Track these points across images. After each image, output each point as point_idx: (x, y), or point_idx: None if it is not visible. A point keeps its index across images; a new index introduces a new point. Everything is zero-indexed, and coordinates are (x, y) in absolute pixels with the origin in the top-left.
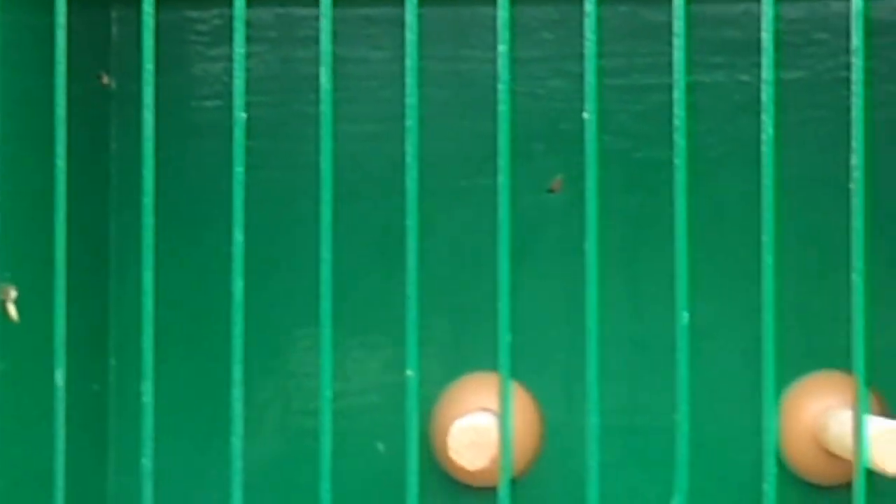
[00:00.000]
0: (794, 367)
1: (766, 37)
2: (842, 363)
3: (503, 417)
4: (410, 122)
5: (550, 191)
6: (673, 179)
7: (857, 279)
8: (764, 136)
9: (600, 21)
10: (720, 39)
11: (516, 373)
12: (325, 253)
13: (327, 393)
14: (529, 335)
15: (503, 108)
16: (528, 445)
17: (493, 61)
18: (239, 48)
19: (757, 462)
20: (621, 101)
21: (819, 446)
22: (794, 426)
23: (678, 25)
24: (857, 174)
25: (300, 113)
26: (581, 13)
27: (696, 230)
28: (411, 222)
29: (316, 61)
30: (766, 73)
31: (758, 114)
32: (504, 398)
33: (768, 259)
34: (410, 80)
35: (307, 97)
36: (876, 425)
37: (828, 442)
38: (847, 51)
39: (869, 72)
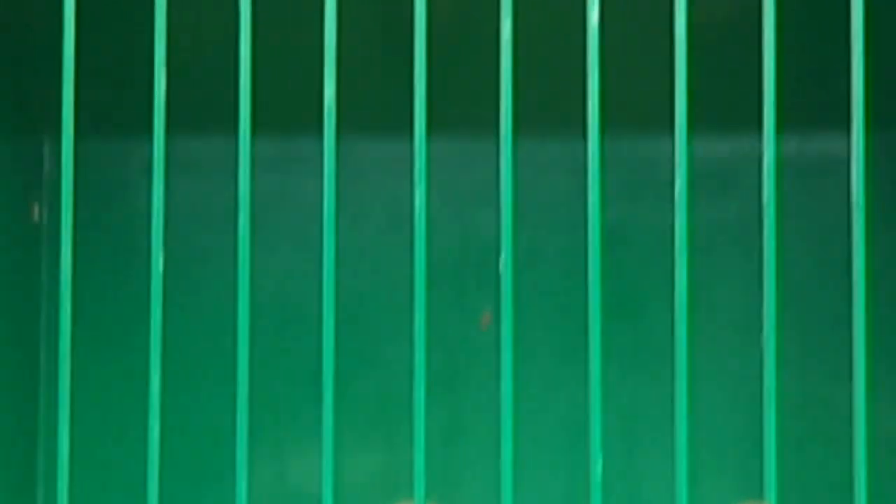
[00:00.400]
0: (724, 496)
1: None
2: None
3: None
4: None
5: (482, 325)
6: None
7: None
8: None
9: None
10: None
11: (446, 499)
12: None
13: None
14: (462, 464)
15: (419, 254)
16: None
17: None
18: (158, 188)
19: None
20: (551, 235)
21: None
22: None
23: (592, 167)
24: (768, 311)
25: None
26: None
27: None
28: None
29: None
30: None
31: (695, 251)
32: None
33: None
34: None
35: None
36: None
37: None
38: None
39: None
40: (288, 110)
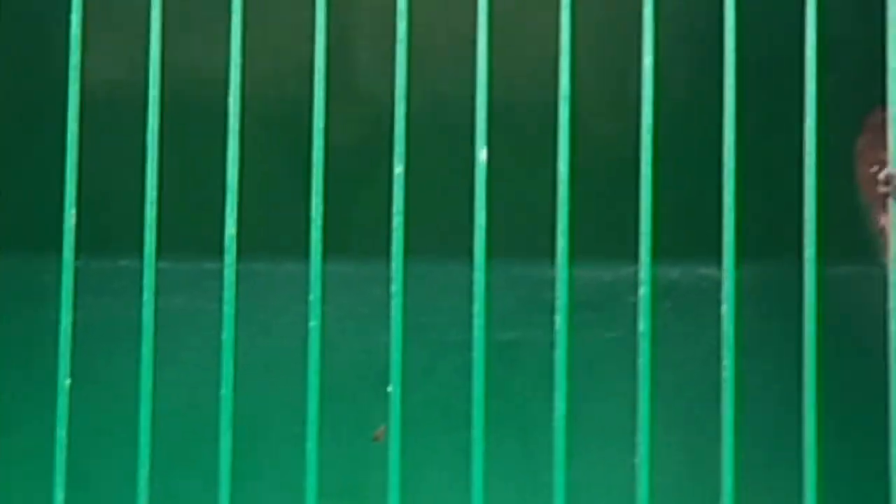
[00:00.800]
0: None
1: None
2: None
3: None
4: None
5: (375, 439)
6: (492, 428)
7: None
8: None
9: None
10: (539, 299)
11: None
12: None
13: None
14: None
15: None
16: None
17: (327, 315)
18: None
19: None
20: (446, 355)
21: None
22: None
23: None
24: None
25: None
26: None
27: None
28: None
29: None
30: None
31: (575, 369)
32: None
33: None
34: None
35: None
36: None
37: None
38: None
39: (677, 334)
40: (192, 234)
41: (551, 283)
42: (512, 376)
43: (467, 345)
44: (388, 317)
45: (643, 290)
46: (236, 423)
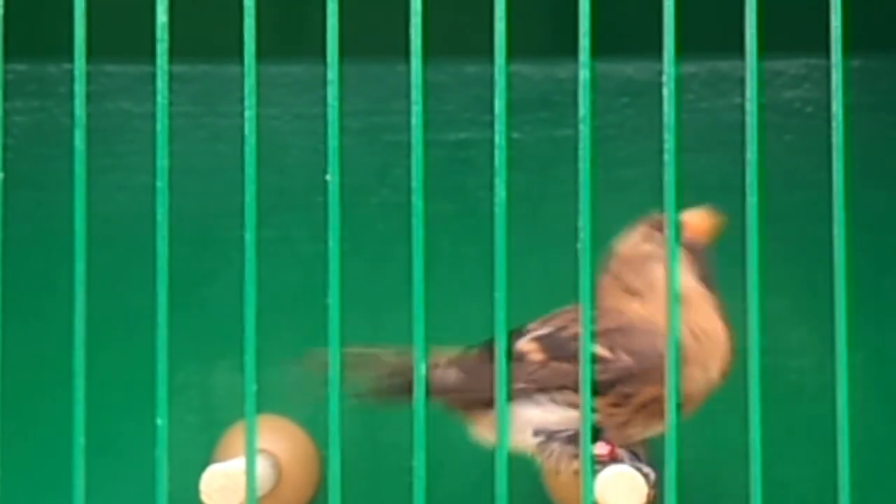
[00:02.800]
0: None
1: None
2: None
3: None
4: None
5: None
6: (452, 229)
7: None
8: (497, 199)
9: (372, 79)
10: (491, 98)
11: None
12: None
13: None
14: None
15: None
16: (300, 485)
17: (277, 118)
18: None
19: None
20: (398, 157)
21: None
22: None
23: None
24: (582, 235)
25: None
26: (359, 70)
27: (464, 278)
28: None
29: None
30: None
31: (530, 170)
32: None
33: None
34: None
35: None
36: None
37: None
38: (611, 109)
39: (633, 130)
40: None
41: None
42: (464, 175)
43: (435, 143)
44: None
45: (582, 76)
46: (178, 227)
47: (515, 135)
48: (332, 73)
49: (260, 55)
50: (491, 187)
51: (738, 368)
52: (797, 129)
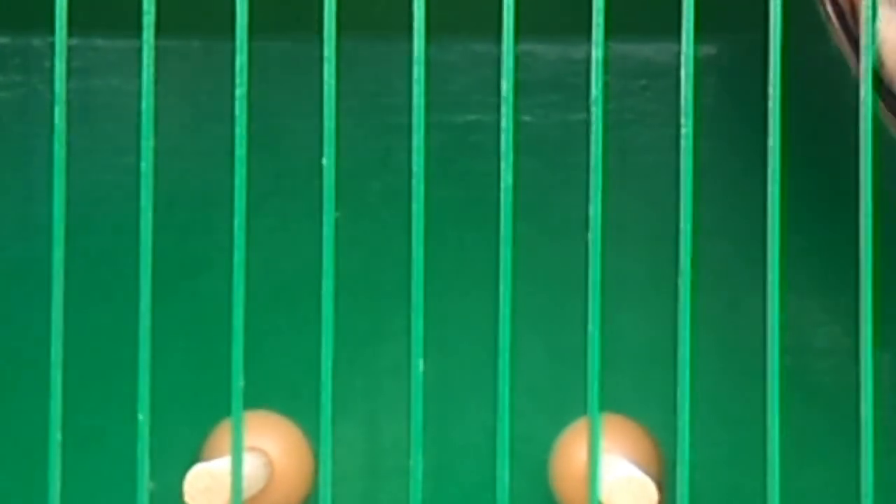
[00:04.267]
0: (568, 409)
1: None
2: (618, 405)
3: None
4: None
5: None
6: (458, 217)
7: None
8: (504, 184)
9: (381, 56)
10: (500, 78)
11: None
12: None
13: None
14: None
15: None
16: (292, 485)
17: (273, 97)
18: None
19: None
20: (401, 139)
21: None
22: (566, 470)
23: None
24: (593, 225)
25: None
26: (361, 48)
27: (469, 269)
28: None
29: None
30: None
31: (540, 154)
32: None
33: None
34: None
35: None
36: (618, 471)
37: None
38: (630, 92)
39: (650, 115)
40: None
41: (515, 62)
42: (473, 159)
43: (428, 129)
44: (344, 98)
45: (595, 55)
46: (167, 212)
47: (526, 118)
48: (329, 50)
49: (253, 30)
50: (499, 173)
51: (757, 369)
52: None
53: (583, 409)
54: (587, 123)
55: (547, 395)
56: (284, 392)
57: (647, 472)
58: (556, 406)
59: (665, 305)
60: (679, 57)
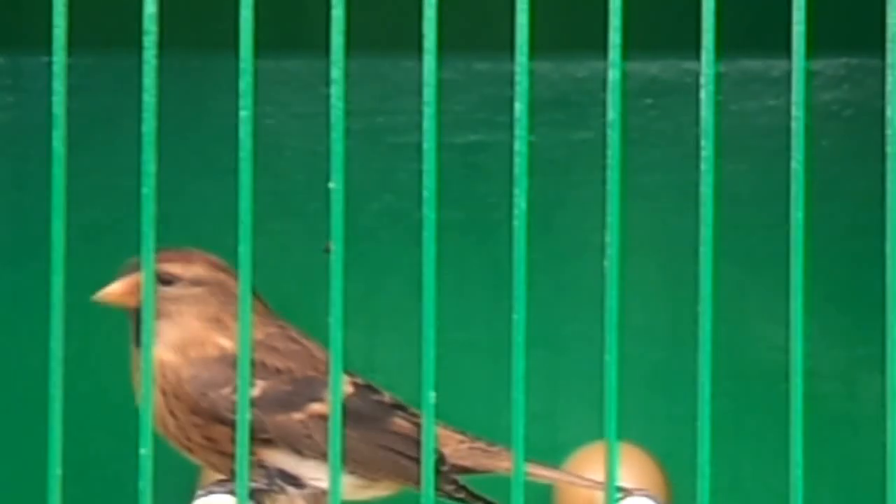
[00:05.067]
0: (574, 435)
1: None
2: (624, 430)
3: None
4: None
5: (325, 250)
6: (460, 239)
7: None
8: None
9: (381, 75)
10: (504, 98)
11: None
12: None
13: None
14: None
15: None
16: None
17: (272, 116)
18: None
19: None
20: (402, 160)
21: None
22: (572, 497)
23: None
24: (610, 249)
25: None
26: (363, 67)
27: (473, 292)
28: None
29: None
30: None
31: (543, 174)
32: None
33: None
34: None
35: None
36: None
37: None
38: (635, 111)
39: (656, 133)
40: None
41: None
42: (475, 181)
43: (441, 146)
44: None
45: (611, 76)
46: (166, 232)
47: (530, 137)
48: (337, 72)
49: (257, 49)
50: (503, 194)
51: (775, 393)
52: (836, 132)
53: (588, 435)
54: (591, 142)
55: (550, 421)
56: None
57: (656, 499)
58: (559, 432)
59: (667, 327)
60: (685, 75)
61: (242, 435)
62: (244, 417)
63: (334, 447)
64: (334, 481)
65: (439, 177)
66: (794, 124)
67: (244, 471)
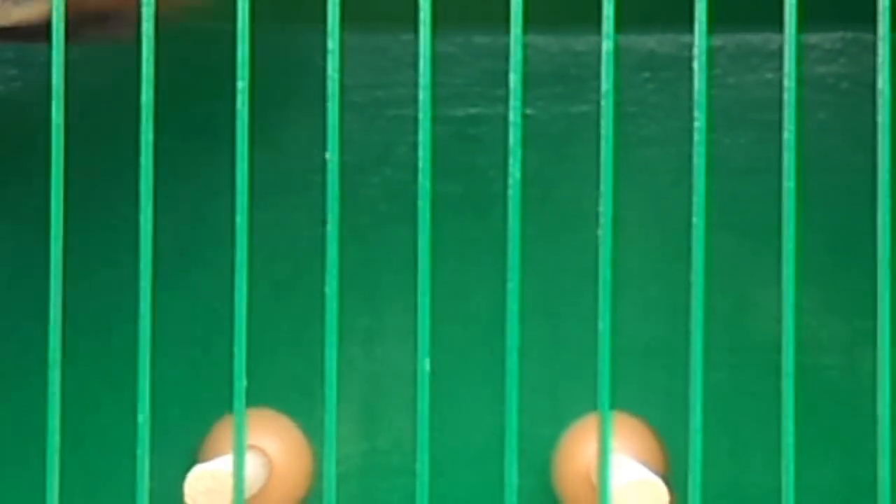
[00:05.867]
0: (572, 406)
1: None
2: (622, 402)
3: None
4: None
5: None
6: (458, 211)
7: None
8: (511, 180)
9: (380, 49)
10: (503, 71)
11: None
12: None
13: None
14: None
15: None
16: (292, 485)
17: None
18: None
19: None
20: (401, 133)
21: (595, 489)
22: (571, 468)
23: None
24: (604, 221)
25: None
26: (362, 41)
27: (471, 265)
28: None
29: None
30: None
31: (541, 148)
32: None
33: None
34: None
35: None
36: (628, 474)
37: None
38: (632, 85)
39: (653, 107)
40: None
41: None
42: (474, 154)
43: (441, 119)
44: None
45: (605, 47)
46: (166, 207)
47: (528, 111)
48: (333, 42)
49: (255, 22)
50: (501, 167)
51: (770, 364)
52: (832, 106)
53: (585, 407)
54: (589, 116)
55: (549, 392)
56: (282, 390)
57: (653, 470)
58: (559, 403)
59: (666, 299)
60: (683, 49)
61: (240, 432)
62: (240, 416)
63: (329, 438)
64: (328, 472)
65: (438, 150)
66: (785, 95)
67: (241, 463)
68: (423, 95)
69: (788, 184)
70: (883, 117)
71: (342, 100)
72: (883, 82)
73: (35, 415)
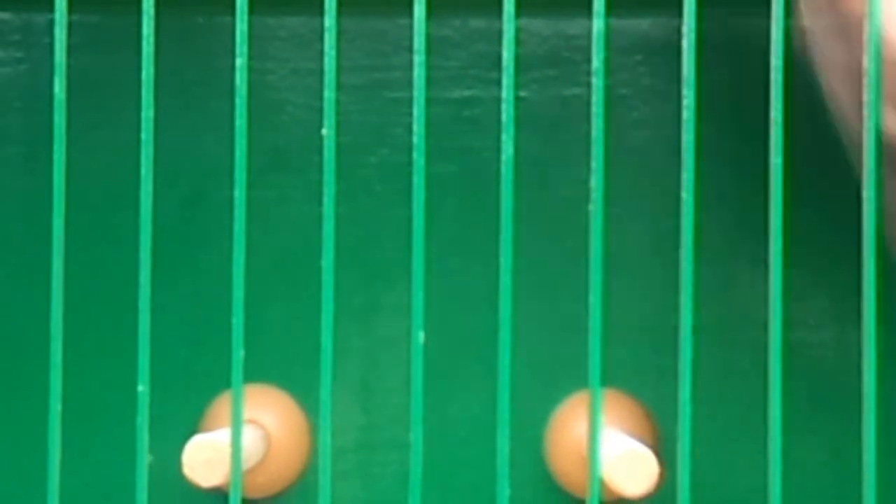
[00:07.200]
0: (564, 382)
1: (506, 57)
2: (613, 380)
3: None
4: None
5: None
6: (455, 192)
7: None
8: (504, 156)
9: (379, 34)
10: (498, 54)
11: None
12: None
13: None
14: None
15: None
16: (290, 458)
17: (273, 72)
18: None
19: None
20: (398, 115)
21: (587, 463)
22: (563, 443)
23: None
24: (595, 195)
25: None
26: (360, 24)
27: (467, 245)
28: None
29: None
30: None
31: (537, 130)
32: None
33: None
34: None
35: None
36: (617, 446)
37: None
38: (624, 67)
39: (646, 90)
40: None
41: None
42: (469, 135)
43: (437, 101)
44: (341, 73)
45: (595, 26)
46: (167, 187)
47: (522, 93)
48: (330, 20)
49: (253, 5)
50: (495, 148)
51: (758, 341)
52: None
53: (577, 384)
54: (583, 98)
55: (541, 369)
56: (280, 365)
57: (644, 444)
58: (551, 379)
59: (660, 279)
60: (676, 32)
61: (237, 424)
62: (238, 386)
63: (324, 413)
64: (324, 447)
65: (433, 131)
66: (773, 75)
67: (238, 449)
68: (419, 77)
69: (776, 160)
70: (871, 95)
71: (340, 81)
72: (869, 61)
73: (36, 386)
